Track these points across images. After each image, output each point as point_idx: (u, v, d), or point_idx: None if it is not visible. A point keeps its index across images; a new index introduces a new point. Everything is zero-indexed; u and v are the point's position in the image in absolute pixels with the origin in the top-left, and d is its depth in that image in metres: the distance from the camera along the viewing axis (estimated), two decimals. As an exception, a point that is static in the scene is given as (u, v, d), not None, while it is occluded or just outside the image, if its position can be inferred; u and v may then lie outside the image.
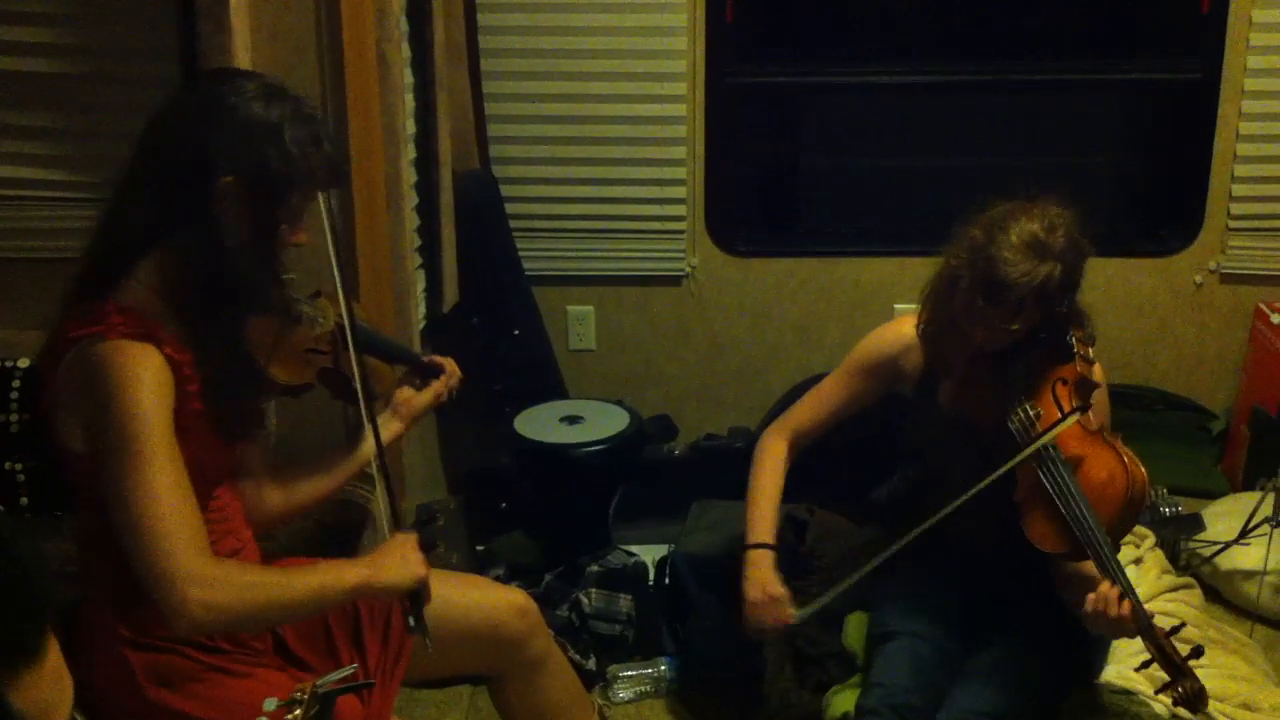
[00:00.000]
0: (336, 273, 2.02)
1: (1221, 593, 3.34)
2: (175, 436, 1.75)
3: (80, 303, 1.80)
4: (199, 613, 1.70)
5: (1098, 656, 2.46)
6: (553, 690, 2.35)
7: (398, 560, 1.92)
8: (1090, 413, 2.29)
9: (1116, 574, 2.10)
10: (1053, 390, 2.29)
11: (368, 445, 2.18)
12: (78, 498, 1.89)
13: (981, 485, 2.23)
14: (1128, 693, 2.48)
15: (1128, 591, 2.08)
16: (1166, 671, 2.05)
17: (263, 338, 1.95)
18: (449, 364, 2.30)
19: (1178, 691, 2.03)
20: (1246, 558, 3.25)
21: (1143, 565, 3.15)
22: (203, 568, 1.71)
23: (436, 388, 2.27)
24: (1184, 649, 2.07)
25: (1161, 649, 2.05)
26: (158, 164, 1.82)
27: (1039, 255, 2.18)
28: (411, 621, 1.97)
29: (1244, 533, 3.26)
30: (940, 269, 2.37)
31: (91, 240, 1.87)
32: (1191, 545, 3.38)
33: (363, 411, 2.08)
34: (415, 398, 2.26)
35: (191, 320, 1.82)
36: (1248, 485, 3.75)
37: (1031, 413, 2.27)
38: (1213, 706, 2.66)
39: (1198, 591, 3.18)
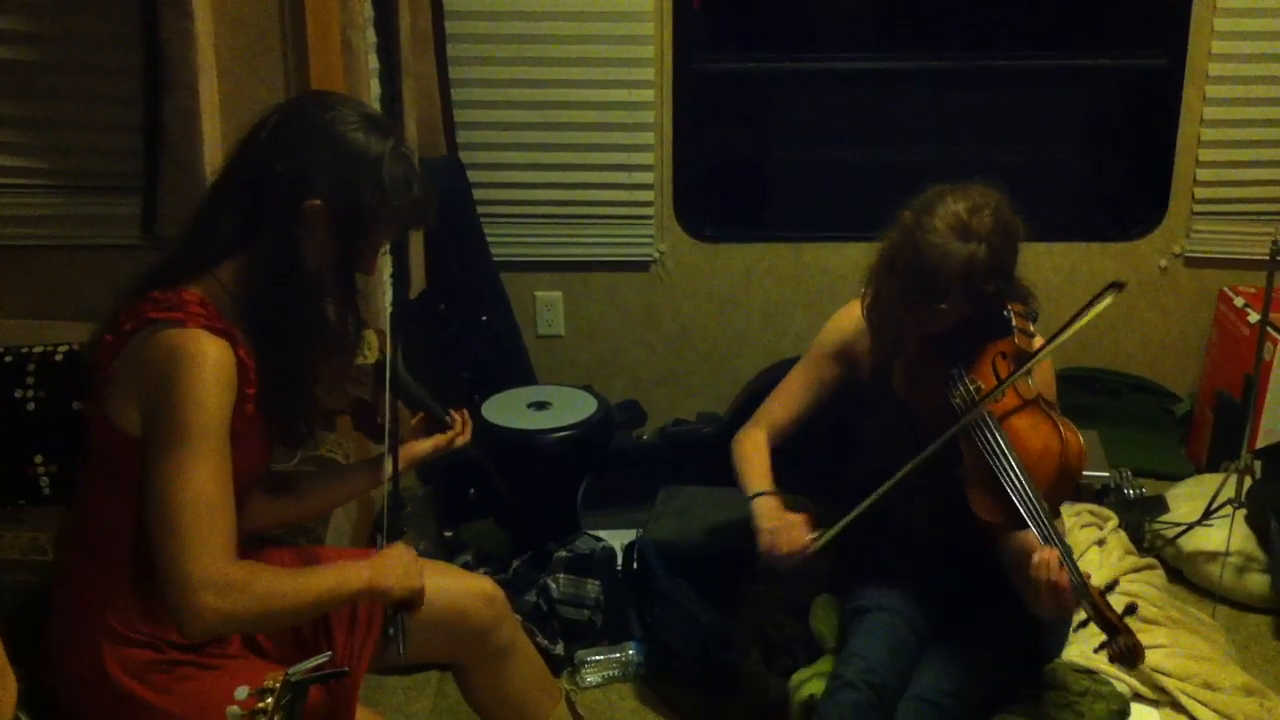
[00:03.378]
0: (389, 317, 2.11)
1: (1184, 574, 3.37)
2: (228, 438, 1.76)
3: (157, 289, 1.81)
4: (212, 618, 1.70)
5: (1054, 640, 2.48)
6: (519, 677, 2.36)
7: (401, 568, 1.95)
8: (1030, 379, 2.34)
9: (1053, 538, 2.13)
10: (992, 364, 2.34)
11: (378, 479, 2.22)
12: (94, 476, 1.88)
13: (926, 453, 2.27)
14: (1089, 672, 2.51)
15: (1064, 555, 2.10)
16: (1102, 629, 2.08)
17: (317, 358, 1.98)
18: (460, 420, 2.31)
19: (1114, 648, 2.06)
20: (1209, 539, 3.29)
21: (1106, 546, 3.18)
22: (224, 572, 1.71)
23: (438, 441, 2.28)
24: (1119, 606, 2.10)
25: (1096, 607, 2.08)
26: (253, 175, 1.83)
27: (963, 237, 2.22)
28: (391, 631, 2.00)
29: (1207, 514, 3.30)
30: (878, 252, 2.41)
31: (180, 235, 1.91)
32: (1155, 527, 3.41)
33: (386, 452, 2.14)
34: (416, 446, 2.27)
35: (258, 330, 1.84)
36: (1211, 468, 3.80)
37: (971, 387, 2.31)
38: (1175, 686, 2.70)
39: (1161, 572, 3.21)
